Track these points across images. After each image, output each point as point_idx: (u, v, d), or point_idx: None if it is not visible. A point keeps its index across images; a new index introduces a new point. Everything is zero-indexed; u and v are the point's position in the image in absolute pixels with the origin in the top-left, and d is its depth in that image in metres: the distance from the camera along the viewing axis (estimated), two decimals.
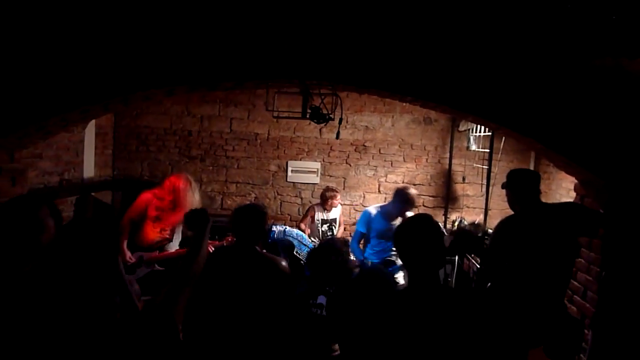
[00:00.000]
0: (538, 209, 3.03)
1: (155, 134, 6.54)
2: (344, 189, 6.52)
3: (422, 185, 6.54)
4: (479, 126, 5.61)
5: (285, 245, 4.25)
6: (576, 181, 3.44)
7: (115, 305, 1.88)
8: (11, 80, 2.79)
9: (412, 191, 4.67)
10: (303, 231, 5.71)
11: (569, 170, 3.30)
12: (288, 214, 6.63)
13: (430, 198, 6.56)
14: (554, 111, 2.86)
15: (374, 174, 6.56)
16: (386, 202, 5.03)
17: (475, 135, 6.03)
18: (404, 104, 5.41)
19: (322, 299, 3.61)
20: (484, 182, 5.46)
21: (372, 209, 4.86)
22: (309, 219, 5.75)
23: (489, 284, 3.17)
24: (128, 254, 4.17)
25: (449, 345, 1.75)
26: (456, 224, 5.97)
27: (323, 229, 5.69)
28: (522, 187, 3.06)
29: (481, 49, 2.84)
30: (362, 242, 5.01)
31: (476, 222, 5.15)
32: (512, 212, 3.18)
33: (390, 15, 2.81)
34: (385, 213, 4.73)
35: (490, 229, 4.67)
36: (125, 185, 6.31)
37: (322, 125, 4.15)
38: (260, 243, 2.95)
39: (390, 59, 2.87)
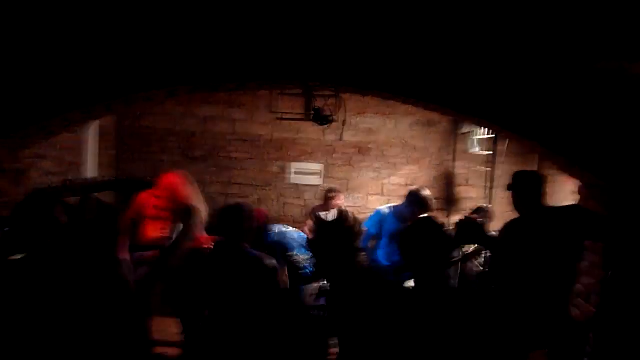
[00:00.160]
0: (543, 212, 3.01)
1: (158, 135, 6.55)
2: (346, 190, 6.50)
3: (427, 187, 6.52)
4: (481, 129, 5.60)
5: (282, 248, 4.21)
6: (579, 184, 3.43)
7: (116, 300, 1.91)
8: (13, 81, 2.80)
9: (426, 192, 4.39)
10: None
11: (572, 173, 3.29)
12: (290, 216, 6.63)
13: (433, 200, 6.53)
14: (557, 114, 2.85)
15: (376, 176, 6.55)
16: (399, 203, 4.74)
17: (478, 138, 6.02)
18: (407, 106, 5.40)
19: (323, 301, 3.62)
20: (487, 184, 5.45)
21: (385, 209, 4.62)
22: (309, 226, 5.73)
23: (492, 286, 3.16)
24: (127, 254, 4.15)
25: (453, 346, 1.75)
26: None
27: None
28: (527, 190, 3.04)
29: (484, 51, 2.84)
30: (372, 243, 4.67)
31: (480, 207, 4.92)
32: (516, 215, 3.17)
33: (393, 17, 2.81)
34: (398, 214, 4.47)
35: (494, 231, 4.65)
36: (128, 186, 6.31)
37: (325, 126, 4.15)
38: (249, 240, 2.98)
39: (393, 61, 2.87)
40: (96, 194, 5.68)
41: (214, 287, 2.89)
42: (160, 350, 3.90)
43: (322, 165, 6.56)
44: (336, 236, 2.45)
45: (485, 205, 4.99)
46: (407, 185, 6.47)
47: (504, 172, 5.75)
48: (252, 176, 6.59)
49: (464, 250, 4.90)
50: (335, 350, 2.55)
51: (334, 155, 6.57)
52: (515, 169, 5.74)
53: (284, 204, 6.63)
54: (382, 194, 6.56)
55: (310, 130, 6.45)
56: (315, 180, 6.56)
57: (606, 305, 3.01)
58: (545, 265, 2.89)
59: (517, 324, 2.82)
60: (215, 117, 6.52)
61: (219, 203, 6.50)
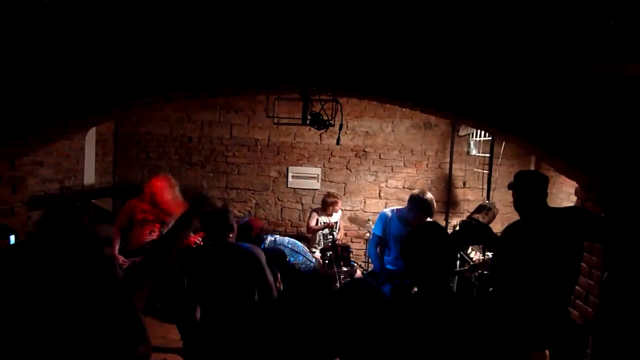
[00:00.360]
0: (544, 213, 3.00)
1: (156, 141, 6.55)
2: (344, 194, 6.51)
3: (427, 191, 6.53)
4: (479, 131, 5.61)
5: (277, 255, 4.23)
6: (577, 185, 3.44)
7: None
8: (11, 89, 2.80)
9: (428, 196, 4.26)
10: (314, 230, 5.71)
11: (570, 174, 3.30)
12: (289, 220, 6.63)
13: (435, 204, 6.54)
14: (554, 116, 2.87)
15: (374, 179, 6.56)
16: (401, 206, 4.60)
17: (476, 140, 6.03)
18: (404, 109, 5.42)
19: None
20: (485, 186, 5.46)
21: (388, 212, 4.46)
22: (314, 220, 5.75)
23: (491, 289, 3.16)
24: (121, 258, 4.32)
25: (457, 353, 1.74)
26: (457, 228, 5.95)
27: (324, 232, 5.69)
28: (529, 190, 3.01)
29: (481, 54, 2.85)
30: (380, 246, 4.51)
31: (483, 205, 4.80)
32: (514, 216, 3.17)
33: (390, 21, 2.82)
34: (402, 217, 4.34)
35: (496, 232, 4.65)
36: (126, 192, 6.31)
37: (323, 131, 4.14)
38: (231, 235, 3.15)
39: (390, 65, 2.88)
40: (94, 201, 5.70)
41: (207, 283, 3.02)
42: (160, 356, 3.90)
43: (320, 169, 6.57)
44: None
45: (488, 202, 4.95)
46: (404, 188, 6.49)
47: (501, 174, 5.77)
48: (250, 181, 6.59)
49: (473, 259, 4.88)
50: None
51: (332, 159, 6.58)
52: (513, 170, 5.77)
53: (282, 208, 6.63)
54: (380, 197, 6.57)
55: (308, 135, 6.46)
56: (313, 185, 6.57)
57: (604, 306, 3.01)
58: (547, 267, 2.89)
59: (519, 324, 2.82)
60: (213, 122, 6.53)
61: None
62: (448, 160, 6.47)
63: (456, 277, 4.91)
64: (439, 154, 6.52)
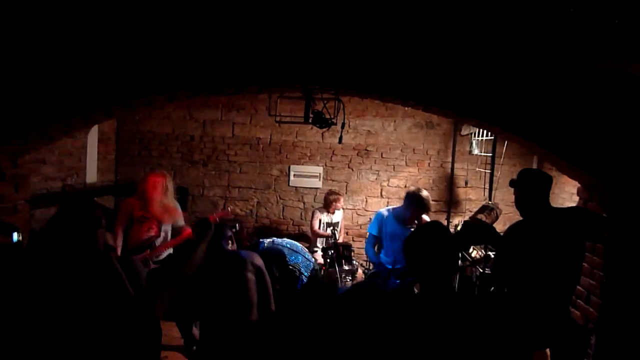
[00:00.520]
0: (547, 213, 2.99)
1: (158, 139, 6.56)
2: (346, 193, 6.51)
3: (425, 189, 6.50)
4: (481, 130, 5.61)
5: (276, 255, 4.21)
6: (579, 185, 3.43)
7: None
8: (14, 87, 2.81)
9: (424, 193, 4.39)
10: (318, 235, 5.71)
11: (572, 174, 3.29)
12: (290, 219, 6.63)
13: (433, 202, 6.50)
14: (557, 115, 2.86)
15: (376, 179, 6.55)
16: (397, 205, 4.79)
17: (478, 139, 6.02)
18: (406, 108, 5.41)
19: None
20: (487, 186, 5.46)
21: (385, 211, 4.61)
22: (317, 222, 5.75)
23: (493, 288, 3.16)
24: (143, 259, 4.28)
25: (459, 352, 1.74)
26: (459, 227, 5.95)
27: (327, 232, 5.69)
28: (533, 189, 3.00)
29: (484, 53, 2.84)
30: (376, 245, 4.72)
31: (486, 205, 4.84)
32: (517, 216, 3.16)
33: (392, 20, 2.82)
34: (399, 216, 4.47)
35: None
36: (128, 190, 6.32)
37: (325, 129, 4.14)
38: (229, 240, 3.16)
39: (392, 63, 2.87)
40: (96, 199, 5.70)
41: (206, 293, 2.99)
42: (162, 354, 3.90)
43: (321, 168, 6.56)
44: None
45: (491, 203, 4.96)
46: (406, 187, 6.47)
47: (503, 174, 5.76)
48: (252, 179, 6.59)
49: (472, 255, 4.90)
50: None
51: (334, 158, 6.58)
52: (515, 170, 5.75)
53: (283, 207, 6.63)
54: (382, 196, 6.57)
55: (310, 133, 6.46)
56: (315, 183, 6.57)
57: (607, 306, 3.01)
58: (549, 267, 2.88)
59: (521, 323, 2.82)
60: (215, 120, 6.53)
61: (219, 206, 6.55)
62: (450, 159, 6.46)
63: (457, 275, 4.91)
64: (441, 153, 6.51)
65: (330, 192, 5.86)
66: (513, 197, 3.13)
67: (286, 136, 6.53)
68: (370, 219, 5.89)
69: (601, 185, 3.02)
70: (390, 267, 4.41)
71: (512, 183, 3.10)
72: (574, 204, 3.74)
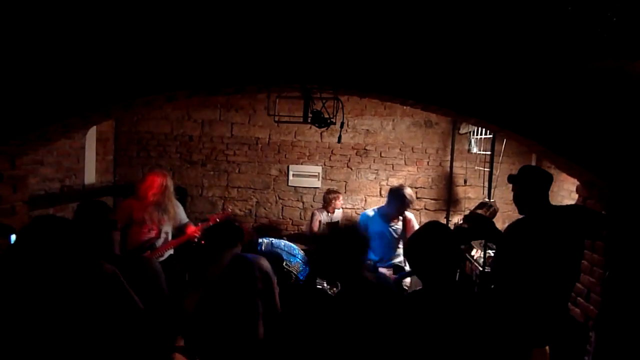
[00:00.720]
0: (546, 210, 2.99)
1: (156, 140, 6.55)
2: (345, 192, 6.51)
3: (424, 188, 6.53)
4: (480, 129, 5.61)
5: (274, 259, 4.22)
6: (578, 183, 3.43)
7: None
8: (11, 87, 2.80)
9: (407, 190, 4.59)
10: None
11: (571, 172, 3.29)
12: (290, 219, 6.62)
13: (432, 201, 6.55)
14: (556, 113, 2.86)
15: (375, 178, 6.55)
16: (383, 204, 4.95)
17: (477, 138, 6.02)
18: (405, 107, 5.41)
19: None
20: (486, 184, 5.45)
21: (370, 212, 4.81)
22: (317, 223, 5.75)
23: (493, 286, 3.16)
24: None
25: (462, 350, 1.74)
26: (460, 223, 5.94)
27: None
28: (533, 186, 3.00)
29: (482, 52, 2.84)
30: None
31: (484, 202, 4.96)
32: (515, 214, 3.16)
33: (391, 19, 2.81)
34: (384, 215, 4.67)
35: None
36: (126, 191, 6.31)
37: (323, 129, 4.14)
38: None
39: (391, 63, 2.87)
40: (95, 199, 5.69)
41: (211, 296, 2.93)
42: None
43: (320, 167, 6.56)
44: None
45: (488, 200, 5.00)
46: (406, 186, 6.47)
47: (502, 172, 5.74)
48: (251, 179, 6.59)
49: (474, 257, 4.93)
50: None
51: (333, 158, 6.57)
52: (514, 168, 5.76)
53: (282, 206, 6.63)
54: (381, 196, 6.56)
55: (309, 133, 6.45)
56: (314, 183, 6.56)
57: (607, 304, 3.01)
58: (548, 264, 2.89)
59: (520, 321, 2.82)
60: (214, 120, 6.52)
61: (218, 207, 6.54)
62: (449, 158, 6.46)
63: (458, 272, 4.92)
64: (440, 152, 6.51)
65: (330, 191, 5.86)
66: (512, 195, 3.13)
67: (285, 136, 6.53)
68: None
69: (601, 182, 3.02)
70: (376, 258, 4.58)
71: (510, 179, 3.10)
72: (573, 202, 3.75)
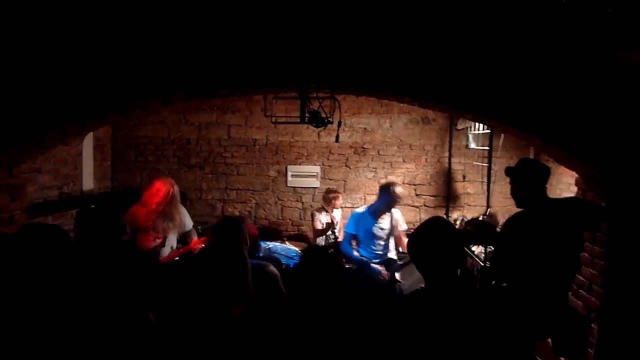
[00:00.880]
0: (544, 203, 3.00)
1: (154, 144, 6.53)
2: (344, 191, 6.50)
3: (423, 185, 6.54)
4: (477, 124, 5.61)
5: (272, 263, 4.23)
6: (577, 175, 3.43)
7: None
8: (6, 95, 2.78)
9: (397, 187, 4.76)
10: (320, 233, 5.72)
11: (570, 164, 3.29)
12: (289, 219, 6.61)
13: (431, 197, 6.55)
14: (553, 106, 2.86)
15: (373, 176, 6.55)
16: (373, 202, 5.14)
17: (474, 133, 6.03)
18: (402, 104, 5.41)
19: None
20: (485, 179, 5.46)
21: (361, 209, 4.98)
22: (318, 222, 5.75)
23: (494, 281, 3.16)
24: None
25: (466, 346, 1.74)
26: (458, 221, 5.96)
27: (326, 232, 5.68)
28: (531, 179, 3.00)
29: (478, 46, 2.84)
30: (354, 243, 5.03)
31: (489, 214, 5.13)
32: (514, 209, 3.16)
33: (386, 16, 2.81)
34: (374, 212, 4.82)
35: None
36: (125, 196, 6.30)
37: (321, 128, 4.15)
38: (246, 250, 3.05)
39: (387, 60, 2.87)
40: (93, 206, 5.68)
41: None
42: None
43: (319, 167, 6.56)
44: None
45: (487, 212, 5.13)
46: (404, 183, 6.48)
47: (501, 167, 5.74)
48: (249, 181, 6.58)
49: (474, 252, 4.98)
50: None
51: (331, 157, 6.57)
52: (512, 162, 5.74)
53: (282, 207, 6.62)
54: None
55: (306, 133, 6.45)
56: (313, 183, 6.56)
57: (609, 295, 3.01)
58: (548, 257, 2.89)
59: (522, 315, 2.82)
60: (211, 123, 6.51)
61: (218, 209, 6.53)
62: (447, 154, 6.47)
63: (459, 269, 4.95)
64: (438, 148, 6.51)
65: (329, 191, 5.86)
66: (510, 189, 3.14)
67: (282, 136, 6.52)
68: None
69: (599, 175, 3.02)
70: (367, 254, 4.79)
71: (508, 172, 3.10)
72: (572, 195, 3.75)
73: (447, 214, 6.45)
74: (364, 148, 6.54)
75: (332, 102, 3.90)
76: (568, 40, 2.71)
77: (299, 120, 4.07)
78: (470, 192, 6.47)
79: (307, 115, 3.85)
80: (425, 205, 6.54)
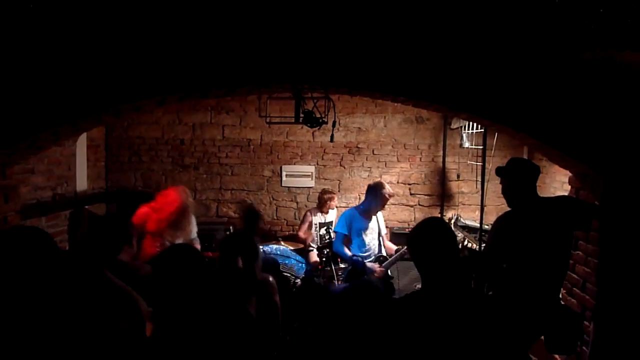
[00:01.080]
0: (535, 202, 3.03)
1: (148, 144, 6.51)
2: (339, 191, 6.51)
3: (417, 184, 6.55)
4: (471, 123, 5.63)
5: (270, 265, 4.22)
6: (570, 174, 3.45)
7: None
8: (0, 96, 2.77)
9: (383, 186, 4.81)
10: (304, 240, 5.71)
11: (563, 163, 3.31)
12: (284, 219, 6.61)
13: (426, 197, 6.57)
14: (547, 105, 2.88)
15: (368, 175, 6.55)
16: (361, 201, 5.20)
17: (468, 133, 6.05)
18: (396, 104, 5.42)
19: None
20: (479, 178, 5.48)
21: (351, 210, 5.05)
22: (306, 225, 5.75)
23: (487, 282, 3.17)
24: None
25: (466, 347, 1.75)
26: (453, 220, 5.98)
27: (321, 232, 5.68)
28: (521, 178, 3.03)
29: (472, 46, 2.85)
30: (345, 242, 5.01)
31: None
32: (507, 204, 3.18)
33: (380, 16, 2.81)
34: (364, 211, 4.89)
35: (487, 225, 4.69)
36: (119, 197, 6.27)
37: (316, 128, 4.15)
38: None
39: (381, 60, 2.87)
40: (87, 207, 5.66)
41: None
42: None
43: (313, 167, 6.56)
44: None
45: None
46: (399, 183, 6.50)
47: (495, 166, 5.74)
48: (244, 181, 6.57)
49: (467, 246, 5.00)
50: None
51: (325, 157, 6.57)
52: (506, 161, 5.77)
53: (277, 207, 6.62)
54: None
55: (300, 133, 6.44)
56: (307, 183, 6.56)
57: (603, 293, 3.03)
58: (538, 256, 2.91)
59: (515, 316, 2.83)
60: (205, 123, 6.49)
61: (212, 209, 6.52)
62: (441, 153, 6.49)
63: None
64: (432, 147, 6.53)
65: (324, 191, 5.86)
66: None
67: (277, 136, 6.51)
68: None
69: (593, 173, 3.04)
70: (360, 253, 4.84)
71: (499, 172, 3.13)
72: (565, 193, 3.77)
73: (441, 213, 6.46)
74: (359, 147, 6.54)
75: (326, 102, 3.91)
76: (560, 40, 2.72)
77: (293, 121, 4.07)
78: (465, 191, 6.49)
79: (301, 115, 3.85)
80: (419, 205, 6.55)
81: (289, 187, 6.58)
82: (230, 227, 6.23)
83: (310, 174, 6.55)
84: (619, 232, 2.93)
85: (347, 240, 4.95)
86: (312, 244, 5.75)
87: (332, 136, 4.46)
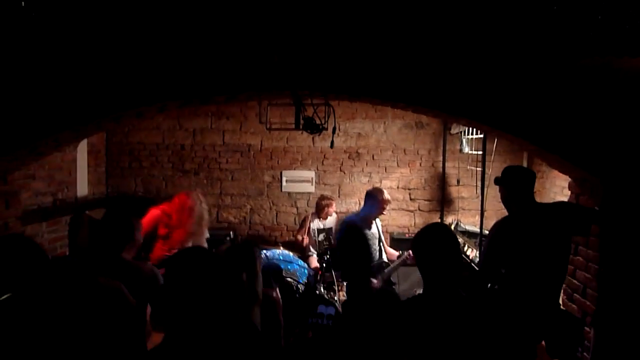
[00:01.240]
0: (532, 208, 3.04)
1: (148, 150, 6.52)
2: (339, 196, 6.52)
3: (417, 189, 6.56)
4: (471, 129, 5.64)
5: (273, 271, 4.21)
6: (570, 180, 3.46)
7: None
8: (1, 103, 2.78)
9: (381, 193, 4.69)
10: (301, 242, 5.70)
11: (563, 169, 3.32)
12: (284, 224, 6.61)
13: (426, 202, 6.57)
14: (546, 111, 2.89)
15: (368, 180, 6.56)
16: (360, 208, 5.07)
17: (468, 138, 6.06)
18: (396, 109, 5.43)
19: (322, 309, 3.59)
20: (478, 183, 5.48)
21: (353, 217, 4.89)
22: (305, 229, 5.75)
23: (486, 286, 3.18)
24: None
25: (467, 352, 1.76)
26: (453, 225, 5.98)
27: (319, 238, 5.68)
28: (517, 185, 3.06)
29: (471, 52, 2.86)
30: None
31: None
32: (507, 212, 3.19)
33: (380, 23, 2.83)
34: (363, 219, 4.74)
35: (487, 230, 4.69)
36: (120, 203, 6.28)
37: (315, 134, 4.16)
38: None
39: (381, 66, 2.89)
40: (87, 212, 5.66)
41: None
42: None
43: (313, 172, 6.56)
44: None
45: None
46: (399, 188, 6.51)
47: (494, 171, 5.77)
48: (244, 186, 6.58)
49: (469, 257, 4.99)
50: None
51: (325, 162, 6.58)
52: (506, 166, 5.79)
53: (277, 212, 6.62)
54: None
55: (300, 138, 6.46)
56: (307, 188, 6.57)
57: (604, 299, 3.03)
58: (538, 263, 2.92)
59: (516, 321, 2.84)
60: (205, 129, 6.51)
61: (213, 215, 6.51)
62: (441, 158, 6.49)
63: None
64: (432, 152, 6.54)
65: (322, 197, 5.85)
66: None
67: (277, 142, 6.53)
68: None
69: (593, 178, 3.05)
70: None
71: (497, 181, 3.18)
72: (565, 199, 3.78)
73: (441, 218, 6.47)
74: (359, 153, 6.55)
75: (326, 108, 3.91)
76: (559, 46, 2.74)
77: (293, 127, 4.07)
78: (465, 196, 6.50)
79: (301, 121, 3.85)
80: (419, 210, 6.56)
81: (289, 192, 6.58)
82: (231, 233, 6.24)
83: (310, 179, 6.56)
84: (619, 237, 2.93)
85: None
86: (311, 248, 5.75)
87: (332, 142, 4.46)
